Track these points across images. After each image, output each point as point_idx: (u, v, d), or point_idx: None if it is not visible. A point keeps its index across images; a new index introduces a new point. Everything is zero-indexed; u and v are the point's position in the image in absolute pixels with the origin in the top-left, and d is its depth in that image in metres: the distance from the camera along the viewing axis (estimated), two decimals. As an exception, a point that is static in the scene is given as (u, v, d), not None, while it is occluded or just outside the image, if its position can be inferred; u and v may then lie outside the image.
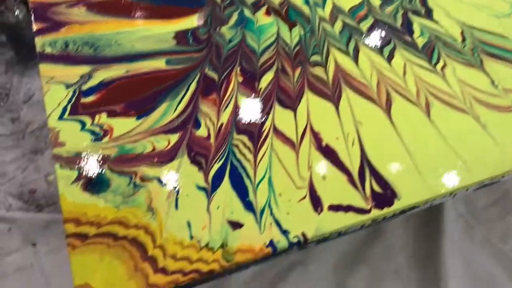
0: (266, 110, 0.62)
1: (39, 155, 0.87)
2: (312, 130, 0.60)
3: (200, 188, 0.54)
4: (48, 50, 0.66)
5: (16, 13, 0.99)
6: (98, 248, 0.50)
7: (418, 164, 0.57)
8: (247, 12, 0.73)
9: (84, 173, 0.55)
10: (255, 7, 0.74)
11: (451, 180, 0.56)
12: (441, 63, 0.68)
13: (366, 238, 0.80)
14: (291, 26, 0.72)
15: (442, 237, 0.78)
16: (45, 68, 0.65)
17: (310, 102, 0.63)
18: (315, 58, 0.68)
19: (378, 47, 0.70)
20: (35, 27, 0.69)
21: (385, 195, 0.55)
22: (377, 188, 0.55)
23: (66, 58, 0.66)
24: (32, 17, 0.70)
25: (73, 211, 0.53)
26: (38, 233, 0.77)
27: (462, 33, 0.72)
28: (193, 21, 0.72)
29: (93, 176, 0.55)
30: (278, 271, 0.76)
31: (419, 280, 0.75)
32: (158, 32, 0.70)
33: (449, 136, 0.60)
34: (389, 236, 0.79)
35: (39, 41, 0.67)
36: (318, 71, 0.66)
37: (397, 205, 0.54)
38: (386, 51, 0.69)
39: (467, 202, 0.83)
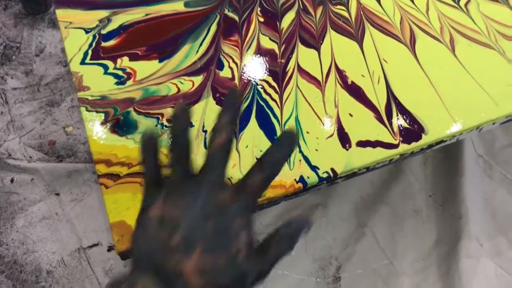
0: (290, 50, 0.61)
1: (55, 107, 0.87)
2: (337, 68, 0.59)
3: (228, 127, 0.54)
4: (64, -5, 0.65)
5: (22, -37, 0.97)
6: (131, 187, 0.51)
7: (445, 99, 0.57)
8: None
9: (111, 116, 0.55)
10: None
11: (478, 114, 0.56)
12: (464, -1, 0.67)
13: (385, 180, 0.81)
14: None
15: (461, 176, 0.78)
16: (62, 13, 0.64)
17: (334, 41, 0.62)
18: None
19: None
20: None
21: (412, 130, 0.55)
22: (404, 124, 0.55)
23: (83, 2, 0.65)
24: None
25: (103, 152, 0.53)
26: (60, 182, 0.78)
27: (485, -32, 0.71)
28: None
29: (121, 118, 0.55)
30: (299, 213, 0.77)
31: (439, 218, 0.77)
32: (174, -26, 0.68)
33: (474, 71, 0.60)
34: (408, 176, 0.80)
35: (53, -14, 0.66)
36: (340, 9, 0.65)
37: (425, 140, 0.54)
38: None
39: (486, 142, 0.84)
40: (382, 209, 0.77)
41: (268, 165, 0.34)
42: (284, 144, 0.35)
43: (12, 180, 0.78)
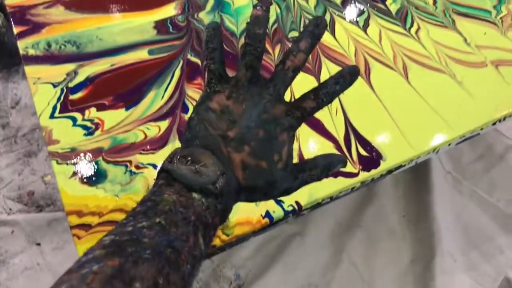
0: (250, 89, 0.64)
1: (33, 158, 0.88)
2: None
3: (194, 169, 0.56)
4: (32, 51, 0.67)
5: (-6, 20, 0.99)
6: (102, 235, 0.52)
7: (400, 125, 0.60)
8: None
9: (80, 167, 0.57)
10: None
11: (433, 137, 0.59)
12: (415, 27, 0.70)
13: (359, 204, 0.83)
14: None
15: (431, 193, 0.81)
16: (31, 70, 0.66)
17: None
18: (293, 34, 0.70)
19: (353, 17, 0.72)
20: (16, 30, 0.70)
21: (371, 157, 0.57)
22: (363, 152, 0.58)
23: (50, 58, 0.67)
24: (12, 22, 0.71)
25: (75, 203, 0.54)
26: (41, 232, 0.79)
27: (432, -5, 0.74)
28: (171, 9, 0.73)
29: (90, 169, 0.57)
30: (277, 244, 0.78)
31: (414, 238, 0.79)
32: (138, 23, 0.71)
33: (428, 96, 0.63)
34: (381, 198, 0.82)
35: (21, 44, 0.68)
36: (297, 46, 0.68)
37: (383, 166, 0.57)
38: (361, 20, 0.71)
39: (453, 158, 0.86)
40: (358, 233, 0.79)
41: (323, 96, 0.38)
42: (345, 77, 0.38)
43: (-8, 234, 0.79)
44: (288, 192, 0.38)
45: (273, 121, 0.37)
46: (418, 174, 0.85)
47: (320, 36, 0.41)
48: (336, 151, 0.58)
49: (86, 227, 0.53)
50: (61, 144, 0.59)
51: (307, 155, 0.57)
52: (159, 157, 0.57)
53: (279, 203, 0.54)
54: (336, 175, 0.56)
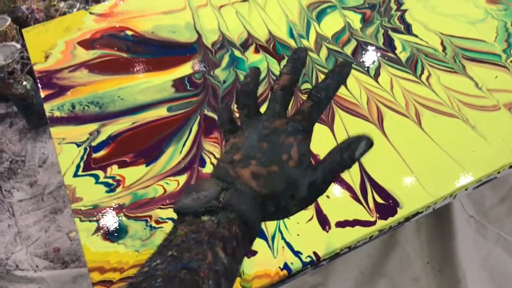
0: (266, 141, 0.65)
1: (59, 214, 0.91)
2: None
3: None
4: (57, 113, 0.71)
5: (23, 84, 1.05)
6: (124, 292, 0.53)
7: (415, 171, 0.60)
8: (237, 53, 0.78)
9: (102, 223, 0.59)
10: (244, 47, 0.79)
11: (449, 183, 0.59)
12: (425, 74, 0.72)
13: (381, 252, 0.82)
14: (279, 59, 0.76)
15: (455, 239, 0.79)
16: (56, 131, 0.69)
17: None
18: (306, 86, 0.72)
19: (364, 67, 0.74)
20: (42, 94, 0.74)
21: (388, 205, 0.57)
22: (379, 200, 0.58)
23: (74, 118, 0.70)
24: (39, 85, 0.75)
25: (97, 260, 0.56)
26: (66, 288, 0.80)
27: (441, 42, 0.76)
28: (188, 68, 0.76)
29: (111, 225, 0.58)
30: (301, 295, 0.77)
31: (438, 285, 0.76)
32: (157, 82, 0.75)
33: (441, 141, 0.63)
34: (404, 246, 0.81)
35: (47, 106, 0.72)
36: (310, 97, 0.70)
37: (400, 214, 0.56)
38: (372, 69, 0.73)
39: (475, 202, 0.85)
40: (381, 281, 0.78)
41: (316, 92, 0.39)
42: (336, 72, 0.40)
43: (19, 292, 0.81)
44: (316, 186, 0.38)
45: (274, 132, 0.39)
46: (440, 219, 0.83)
47: (301, 59, 0.43)
48: (352, 200, 0.58)
49: (108, 283, 0.54)
50: (84, 201, 0.61)
51: (324, 206, 0.58)
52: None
53: (297, 254, 0.54)
54: (353, 224, 0.56)
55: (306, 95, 0.40)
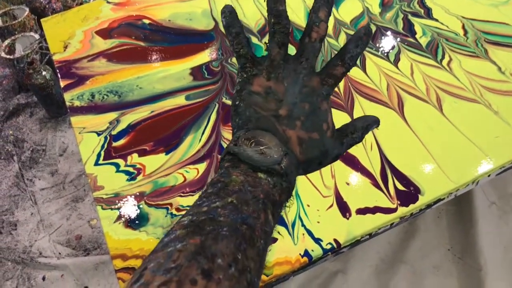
0: (285, 128, 0.65)
1: (80, 203, 0.92)
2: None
3: (233, 210, 0.58)
4: (77, 103, 0.72)
5: (43, 74, 1.06)
6: (146, 278, 0.54)
7: (437, 158, 0.59)
8: (255, 39, 0.78)
9: (124, 211, 0.59)
10: (261, 34, 0.78)
11: (471, 169, 0.58)
12: (446, 58, 0.71)
13: (401, 239, 0.81)
14: (297, 46, 0.76)
15: (476, 226, 0.78)
16: (76, 120, 0.70)
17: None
18: (324, 72, 0.71)
19: (384, 52, 0.73)
20: (62, 84, 0.75)
21: (409, 192, 0.57)
22: (400, 187, 0.57)
23: (94, 108, 0.71)
24: (59, 75, 0.76)
25: (119, 247, 0.56)
26: (88, 275, 0.82)
27: (463, 26, 0.75)
28: (206, 56, 0.76)
29: (133, 213, 0.59)
30: (319, 282, 0.77)
31: (460, 272, 0.76)
32: (175, 71, 0.75)
33: (463, 127, 0.62)
34: (424, 233, 0.80)
35: (67, 96, 0.73)
36: (329, 84, 0.70)
37: (422, 200, 0.56)
38: (392, 55, 0.72)
39: (497, 188, 0.84)
40: (402, 269, 0.77)
41: (349, 60, 0.42)
42: (362, 39, 0.42)
43: (43, 278, 0.82)
44: (337, 157, 0.43)
45: (313, 93, 0.40)
46: (460, 205, 0.83)
47: (333, 3, 0.44)
48: (373, 187, 0.58)
49: (130, 270, 0.55)
50: (105, 190, 0.62)
51: (344, 193, 0.57)
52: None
53: (317, 241, 0.54)
54: (374, 211, 0.56)
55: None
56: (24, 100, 1.12)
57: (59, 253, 0.85)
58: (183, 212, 0.58)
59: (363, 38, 0.42)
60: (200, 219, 0.31)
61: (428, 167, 0.59)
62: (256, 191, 0.34)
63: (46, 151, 1.02)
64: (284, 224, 0.56)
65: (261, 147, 0.36)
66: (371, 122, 0.45)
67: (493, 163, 0.58)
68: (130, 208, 0.60)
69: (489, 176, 0.59)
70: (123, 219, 0.59)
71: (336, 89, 0.69)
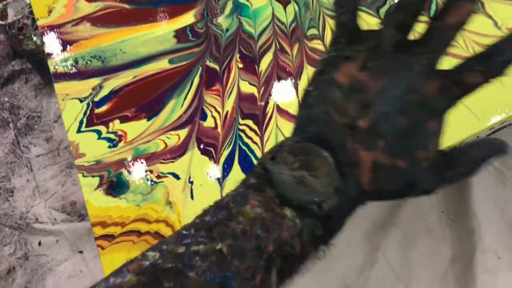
0: (268, 91, 0.63)
1: (74, 169, 0.92)
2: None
3: (212, 176, 0.57)
4: (60, 69, 0.70)
5: (34, 39, 1.05)
6: (125, 246, 0.54)
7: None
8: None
9: (105, 178, 0.59)
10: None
11: (459, 130, 0.56)
12: (440, 14, 0.67)
13: (394, 203, 0.80)
14: (285, 4, 0.73)
15: (472, 187, 0.76)
16: (60, 87, 0.69)
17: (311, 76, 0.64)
18: (312, 31, 0.69)
19: (374, 9, 0.69)
20: (46, 49, 0.73)
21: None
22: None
23: (77, 74, 0.70)
24: (44, 41, 0.75)
25: (99, 214, 0.56)
26: (83, 241, 0.83)
27: (460, -21, 0.70)
28: (191, 17, 0.74)
29: (114, 180, 0.59)
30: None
31: (453, 235, 0.75)
32: (159, 33, 0.72)
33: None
34: (417, 198, 0.78)
35: (51, 62, 0.71)
36: (316, 44, 0.67)
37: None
38: (383, 11, 0.69)
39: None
40: (394, 232, 0.77)
41: (496, 67, 0.26)
42: None
43: (39, 243, 0.84)
44: (428, 192, 0.29)
45: (422, 104, 0.27)
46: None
47: None
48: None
49: (109, 237, 0.55)
50: (87, 157, 0.61)
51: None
52: (179, 166, 0.58)
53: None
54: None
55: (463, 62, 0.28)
56: (19, 67, 1.11)
57: (55, 219, 0.86)
58: (164, 179, 0.57)
59: None
60: (165, 267, 0.23)
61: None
62: (267, 238, 0.25)
63: (41, 118, 1.02)
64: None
65: (306, 172, 0.26)
66: (496, 151, 0.28)
67: (482, 124, 0.56)
68: (111, 176, 0.59)
69: (478, 137, 0.56)
70: (103, 186, 0.58)
71: (323, 48, 0.66)
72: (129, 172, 0.59)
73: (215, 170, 0.57)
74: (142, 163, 0.59)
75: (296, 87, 0.63)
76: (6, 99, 1.05)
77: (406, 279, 0.72)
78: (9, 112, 1.04)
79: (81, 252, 0.82)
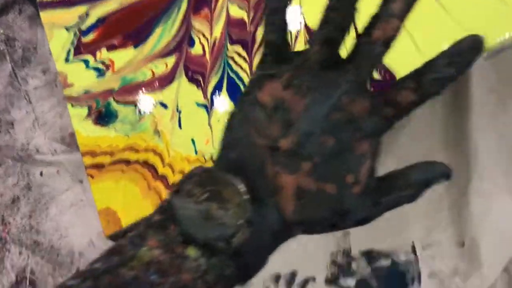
0: (259, 16, 0.60)
1: (73, 100, 0.92)
2: (306, 26, 0.58)
3: (200, 105, 0.56)
4: (46, -4, 0.68)
5: (23, -33, 1.01)
6: (114, 175, 0.54)
7: (418, 41, 0.55)
8: None
9: (93, 108, 0.59)
10: None
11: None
12: None
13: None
14: None
15: (471, 113, 0.74)
16: (46, 15, 0.67)
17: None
18: None
19: None
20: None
21: (384, 80, 0.53)
22: (376, 76, 0.54)
23: (63, 1, 0.67)
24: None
25: (88, 144, 0.57)
26: (82, 170, 0.84)
27: None
28: None
29: (102, 110, 0.58)
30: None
31: (449, 160, 0.73)
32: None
33: (451, 8, 0.56)
34: (416, 122, 0.77)
35: (36, -11, 0.69)
36: (309, -36, 0.63)
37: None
38: None
39: (498, 73, 0.78)
40: (387, 161, 0.76)
41: (429, 84, 0.25)
42: (463, 54, 0.24)
43: (41, 174, 0.85)
44: (365, 221, 0.27)
45: (349, 124, 0.25)
46: (456, 93, 0.78)
47: None
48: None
49: (99, 167, 0.55)
50: (75, 87, 0.61)
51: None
52: (166, 95, 0.57)
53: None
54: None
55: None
56: (12, -4, 1.08)
57: (55, 150, 0.87)
58: (152, 109, 0.57)
59: (466, 53, 0.24)
60: None
61: (408, 52, 0.54)
62: (163, 284, 0.22)
63: (37, 50, 1.00)
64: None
65: (215, 205, 0.24)
66: (437, 174, 0.26)
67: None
68: (99, 106, 0.59)
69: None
70: (92, 116, 0.58)
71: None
72: (117, 101, 0.58)
73: (203, 99, 0.56)
74: (129, 92, 0.59)
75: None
76: (1, 30, 1.03)
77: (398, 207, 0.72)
78: (4, 44, 1.02)
79: (81, 181, 0.84)
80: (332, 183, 0.25)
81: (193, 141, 0.54)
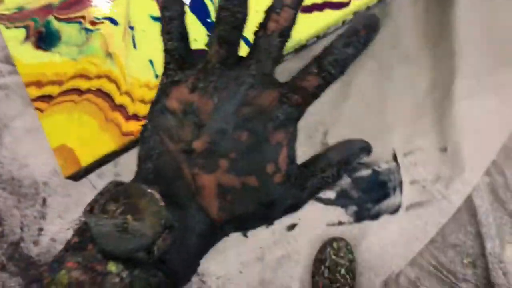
0: None
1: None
2: None
3: (156, 18, 0.48)
4: None
5: None
6: (66, 106, 0.48)
7: None
8: None
9: (31, 29, 0.50)
10: None
11: None
12: None
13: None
14: None
15: (454, 4, 0.68)
16: None
17: None
18: None
19: None
20: None
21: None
22: None
23: None
24: None
25: (32, 72, 0.49)
26: (36, 93, 0.77)
27: None
28: None
29: (42, 30, 0.50)
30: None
31: (432, 61, 0.69)
32: None
33: None
34: (396, 21, 0.70)
35: None
36: None
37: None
38: None
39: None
40: (368, 64, 0.71)
41: (330, 66, 0.25)
42: (359, 34, 0.25)
43: (-10, 95, 0.78)
44: (295, 208, 0.27)
45: (259, 116, 0.26)
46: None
47: None
48: None
49: (47, 98, 0.48)
50: (6, 4, 0.51)
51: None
52: (116, 9, 0.49)
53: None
54: (322, 7, 0.46)
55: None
56: None
57: (1, 71, 0.79)
58: (100, 26, 0.49)
59: (361, 32, 0.25)
60: None
61: None
62: None
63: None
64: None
65: (130, 217, 0.23)
66: (357, 152, 0.27)
67: None
68: (38, 25, 0.50)
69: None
70: (31, 39, 0.50)
71: None
72: (58, 19, 0.50)
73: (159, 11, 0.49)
74: (71, 7, 0.50)
75: None
76: None
77: (380, 111, 0.68)
78: None
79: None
80: (253, 175, 0.26)
81: (151, 62, 0.47)
